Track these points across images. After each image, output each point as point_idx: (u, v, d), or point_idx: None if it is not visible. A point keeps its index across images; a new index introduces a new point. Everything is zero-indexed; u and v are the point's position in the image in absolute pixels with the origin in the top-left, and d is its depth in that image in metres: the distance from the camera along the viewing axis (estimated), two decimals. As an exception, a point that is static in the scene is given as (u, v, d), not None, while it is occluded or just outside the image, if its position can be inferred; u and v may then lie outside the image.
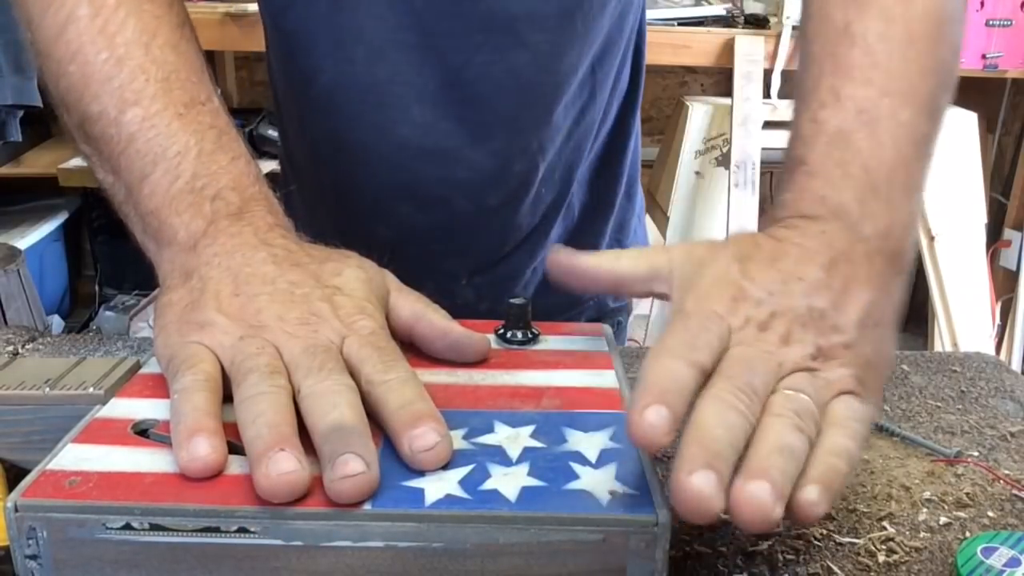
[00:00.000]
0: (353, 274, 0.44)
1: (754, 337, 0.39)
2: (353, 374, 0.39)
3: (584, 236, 0.81)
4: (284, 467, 0.33)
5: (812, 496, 0.34)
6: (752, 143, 2.08)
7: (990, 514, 0.47)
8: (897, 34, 0.47)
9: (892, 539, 0.44)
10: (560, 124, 0.72)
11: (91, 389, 0.42)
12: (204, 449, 0.35)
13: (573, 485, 0.35)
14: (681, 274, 0.44)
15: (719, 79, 2.58)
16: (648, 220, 2.35)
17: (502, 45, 0.66)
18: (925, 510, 0.47)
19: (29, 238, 2.29)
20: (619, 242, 0.85)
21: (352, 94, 0.68)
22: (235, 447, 0.37)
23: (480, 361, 0.46)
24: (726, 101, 2.15)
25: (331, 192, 0.76)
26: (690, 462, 0.33)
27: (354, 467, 0.33)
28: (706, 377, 0.38)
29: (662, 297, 0.46)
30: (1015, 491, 0.49)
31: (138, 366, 0.45)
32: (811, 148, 0.46)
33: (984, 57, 2.13)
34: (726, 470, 0.33)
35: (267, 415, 0.36)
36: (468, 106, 0.67)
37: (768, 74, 2.12)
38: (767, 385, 0.38)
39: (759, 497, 0.32)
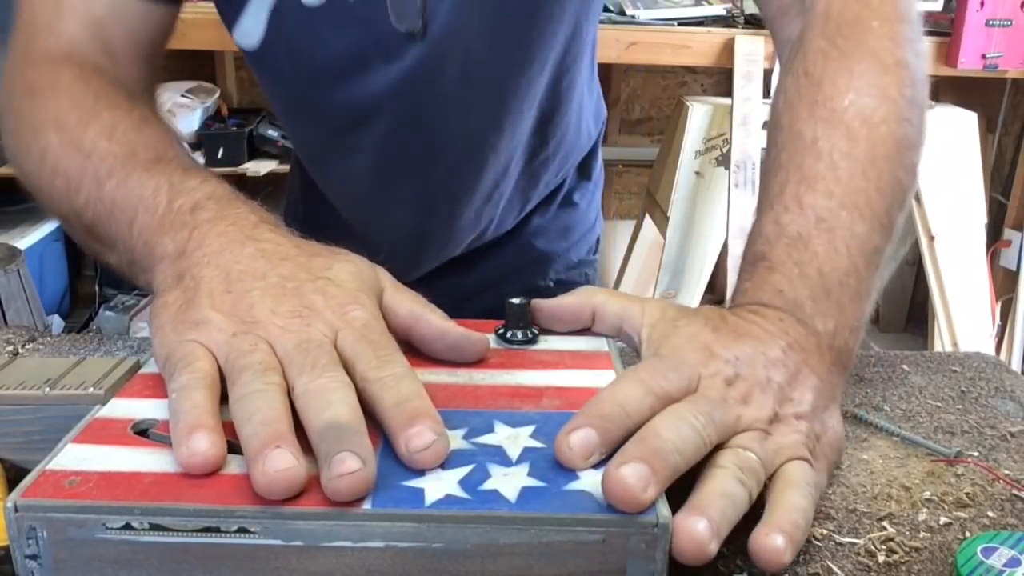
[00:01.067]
0: (343, 267, 0.45)
1: (721, 389, 0.42)
2: (348, 369, 0.39)
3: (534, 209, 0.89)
4: (280, 464, 0.33)
5: (779, 543, 0.36)
6: (752, 143, 2.08)
7: (990, 514, 0.47)
8: (860, 153, 0.51)
9: (892, 539, 0.44)
10: (513, 172, 0.81)
11: (91, 389, 0.42)
12: (203, 445, 0.35)
13: (573, 485, 0.35)
14: (656, 329, 0.47)
15: (719, 79, 2.58)
16: (648, 220, 2.35)
17: (474, 161, 0.76)
18: (925, 510, 0.47)
19: (29, 238, 2.29)
20: (570, 205, 0.92)
21: (334, 200, 0.83)
22: (234, 446, 0.37)
23: (480, 361, 0.46)
24: (726, 101, 2.15)
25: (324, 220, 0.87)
26: (624, 454, 0.35)
27: (350, 465, 0.33)
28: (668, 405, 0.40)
29: (627, 340, 0.49)
30: (1015, 491, 0.49)
31: (138, 366, 0.45)
32: (773, 247, 0.50)
33: (984, 57, 2.13)
34: (662, 469, 0.35)
35: (262, 412, 0.36)
36: (441, 210, 0.80)
37: (768, 74, 2.12)
38: (725, 425, 0.40)
39: (697, 531, 0.35)
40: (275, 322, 0.41)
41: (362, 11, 0.65)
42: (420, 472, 0.36)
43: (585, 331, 0.51)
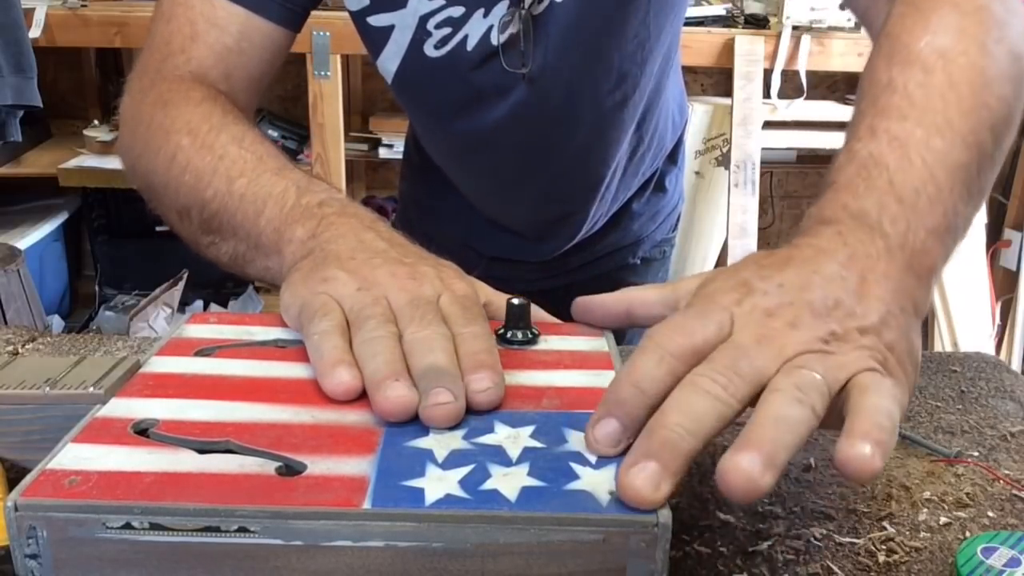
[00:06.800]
0: (449, 262, 0.52)
1: (759, 323, 0.40)
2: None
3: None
4: (400, 392, 0.39)
5: (865, 450, 0.34)
6: (752, 143, 2.08)
7: (990, 514, 0.47)
8: (937, 81, 0.49)
9: (892, 539, 0.44)
10: (619, 170, 0.89)
11: (91, 388, 0.42)
12: (347, 376, 0.41)
13: (573, 485, 0.35)
14: (695, 287, 0.45)
15: (719, 79, 2.58)
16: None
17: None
18: (925, 510, 0.47)
19: (29, 238, 2.29)
20: (662, 191, 1.00)
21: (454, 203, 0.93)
22: (241, 448, 0.37)
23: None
24: (726, 101, 2.15)
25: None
26: (633, 452, 0.35)
27: (445, 397, 0.39)
28: (697, 362, 0.39)
29: None
30: (1015, 491, 0.49)
31: (138, 366, 0.45)
32: (841, 171, 0.48)
33: (984, 57, 2.12)
34: (673, 460, 0.35)
35: (384, 354, 0.42)
36: (555, 212, 0.90)
37: (768, 74, 2.12)
38: (761, 369, 0.38)
39: (744, 467, 0.34)
40: (392, 283, 0.47)
41: (478, 58, 0.76)
42: (420, 472, 0.36)
43: (586, 331, 0.51)
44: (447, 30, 0.75)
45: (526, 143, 0.83)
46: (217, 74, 0.69)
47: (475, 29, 0.74)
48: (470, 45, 0.75)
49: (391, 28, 0.76)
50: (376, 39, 0.77)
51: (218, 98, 0.66)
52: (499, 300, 0.52)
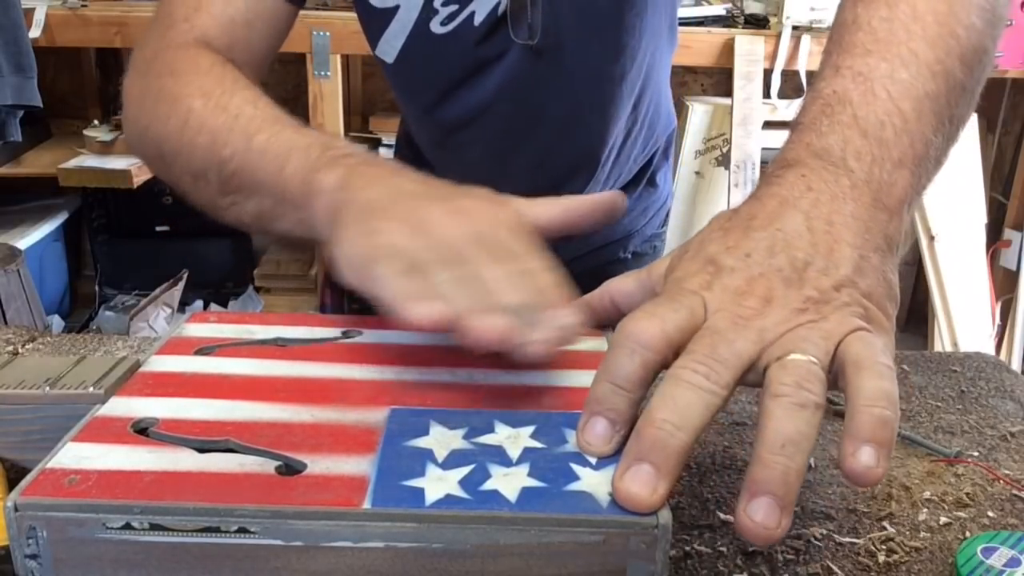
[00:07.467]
0: (478, 189, 0.51)
1: (733, 304, 0.39)
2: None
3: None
4: (500, 321, 0.39)
5: (868, 460, 0.34)
6: (752, 143, 2.08)
7: (990, 514, 0.47)
8: (900, 14, 0.49)
9: (892, 539, 0.44)
10: (613, 150, 0.88)
11: (91, 388, 0.42)
12: (438, 306, 0.40)
13: (573, 486, 0.35)
14: (669, 268, 0.45)
15: (719, 79, 2.58)
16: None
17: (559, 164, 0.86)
18: (925, 510, 0.47)
19: (29, 238, 2.29)
20: (654, 185, 0.99)
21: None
22: (241, 447, 0.37)
23: (485, 355, 0.46)
24: (726, 101, 2.15)
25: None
26: (626, 456, 0.35)
27: (542, 335, 0.40)
28: (674, 353, 0.38)
29: None
30: (1015, 491, 0.49)
31: (138, 365, 0.45)
32: (806, 112, 0.48)
33: (984, 57, 2.12)
34: (666, 460, 0.34)
35: (470, 288, 0.41)
36: (547, 190, 0.87)
37: (768, 74, 2.12)
38: (742, 353, 0.37)
39: (760, 520, 0.33)
40: (443, 221, 0.46)
41: (486, 31, 0.76)
42: (420, 472, 0.36)
43: (586, 331, 0.51)
44: (454, 7, 0.75)
45: (523, 113, 0.82)
46: (221, 45, 0.68)
47: (482, 6, 0.74)
48: (477, 20, 0.75)
49: (396, 8, 0.76)
50: (379, 19, 0.77)
51: (227, 64, 0.65)
52: (536, 209, 0.51)
